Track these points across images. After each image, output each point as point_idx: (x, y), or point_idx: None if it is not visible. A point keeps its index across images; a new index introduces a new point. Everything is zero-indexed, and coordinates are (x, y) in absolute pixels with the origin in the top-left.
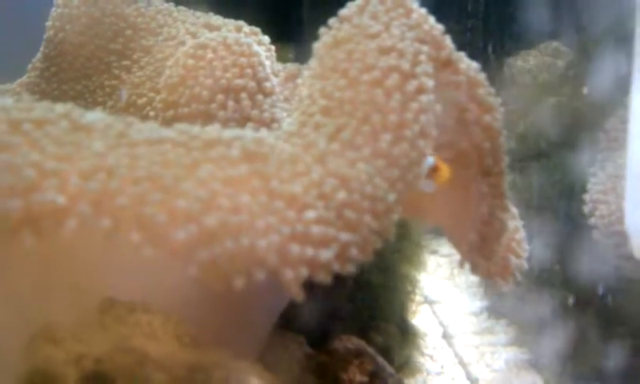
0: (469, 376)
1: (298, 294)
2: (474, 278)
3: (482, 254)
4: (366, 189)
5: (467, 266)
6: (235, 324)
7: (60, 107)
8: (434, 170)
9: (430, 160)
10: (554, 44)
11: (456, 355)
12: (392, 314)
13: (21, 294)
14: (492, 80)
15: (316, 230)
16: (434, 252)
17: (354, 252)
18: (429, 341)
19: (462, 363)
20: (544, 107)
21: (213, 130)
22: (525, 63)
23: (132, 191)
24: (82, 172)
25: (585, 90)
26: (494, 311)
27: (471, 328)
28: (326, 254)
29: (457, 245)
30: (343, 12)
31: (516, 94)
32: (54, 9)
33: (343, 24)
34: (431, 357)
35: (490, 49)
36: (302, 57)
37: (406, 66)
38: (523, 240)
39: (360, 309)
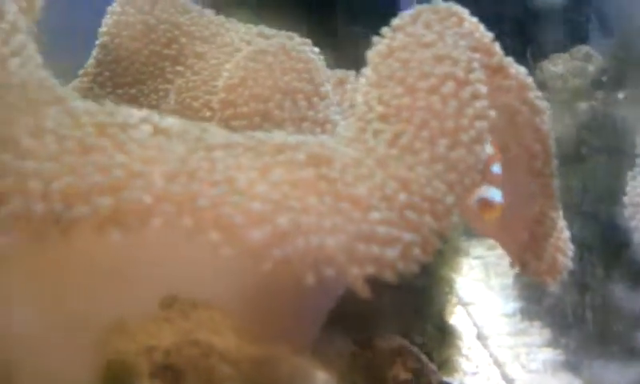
0: (504, 376)
1: (365, 292)
2: (508, 280)
3: (533, 252)
4: (426, 191)
5: (517, 265)
6: (287, 322)
7: (139, 112)
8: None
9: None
10: (585, 48)
11: (491, 355)
12: (432, 315)
13: (87, 289)
14: None
15: (381, 229)
16: (466, 254)
17: (416, 251)
18: (464, 341)
19: (497, 363)
20: (577, 112)
21: (278, 136)
22: (555, 67)
23: (211, 193)
24: (166, 174)
25: (620, 95)
26: (527, 313)
27: (506, 329)
28: (392, 253)
29: (506, 246)
30: (396, 22)
31: (547, 99)
32: (108, 16)
33: (397, 33)
34: (466, 357)
35: (526, 53)
36: (340, 63)
37: (460, 73)
38: (569, 239)
39: (401, 309)
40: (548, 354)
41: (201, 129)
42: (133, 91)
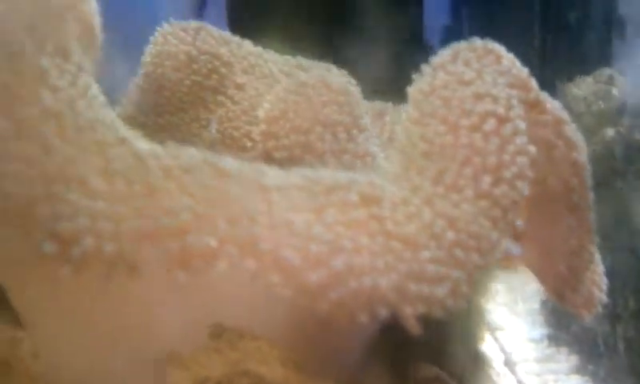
0: None
1: (417, 330)
2: (534, 306)
3: (570, 285)
4: (472, 228)
5: (553, 297)
6: (331, 353)
7: (200, 154)
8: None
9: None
10: (609, 71)
11: (519, 382)
12: (465, 343)
13: (146, 322)
14: None
15: (431, 268)
16: (493, 278)
17: (464, 288)
18: (494, 368)
19: None
20: (603, 137)
21: (328, 175)
22: (579, 91)
23: (271, 236)
24: (228, 217)
25: None
26: (555, 339)
27: (533, 355)
28: (441, 291)
29: (542, 277)
30: (436, 60)
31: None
32: (151, 46)
33: (438, 71)
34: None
35: (552, 78)
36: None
37: (501, 110)
38: (603, 273)
39: (437, 338)
40: (576, 381)
41: (254, 169)
42: (174, 120)
